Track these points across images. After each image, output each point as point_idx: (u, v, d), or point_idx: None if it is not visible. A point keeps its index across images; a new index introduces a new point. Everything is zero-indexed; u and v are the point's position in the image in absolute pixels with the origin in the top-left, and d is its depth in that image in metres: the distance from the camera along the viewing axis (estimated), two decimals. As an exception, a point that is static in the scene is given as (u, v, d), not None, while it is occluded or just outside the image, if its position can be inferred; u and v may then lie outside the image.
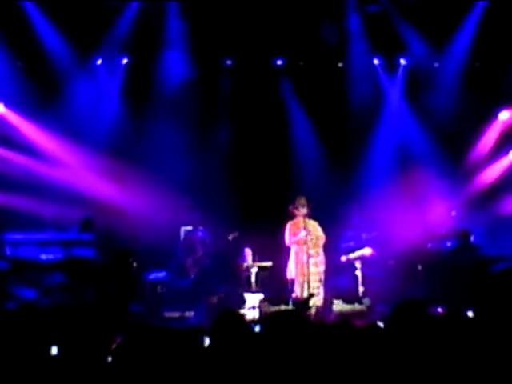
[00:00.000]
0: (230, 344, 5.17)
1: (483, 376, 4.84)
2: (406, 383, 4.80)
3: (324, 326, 5.86)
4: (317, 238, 12.13)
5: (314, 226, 12.18)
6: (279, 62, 14.60)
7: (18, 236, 12.32)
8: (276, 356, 5.00)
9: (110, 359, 5.66)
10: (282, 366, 4.89)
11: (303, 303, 10.93)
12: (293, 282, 12.16)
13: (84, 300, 11.59)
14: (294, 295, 11.99)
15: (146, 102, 14.07)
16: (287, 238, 12.20)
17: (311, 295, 11.48)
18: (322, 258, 12.17)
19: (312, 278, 11.91)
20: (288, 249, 12.26)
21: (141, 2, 13.51)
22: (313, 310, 11.35)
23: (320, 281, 12.07)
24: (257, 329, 7.59)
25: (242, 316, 6.00)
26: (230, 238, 12.93)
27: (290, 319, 5.40)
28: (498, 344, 5.25)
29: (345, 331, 5.62)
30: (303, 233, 12.01)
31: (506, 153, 14.33)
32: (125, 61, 14.25)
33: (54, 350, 6.00)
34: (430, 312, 5.94)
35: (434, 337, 5.21)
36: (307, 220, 12.10)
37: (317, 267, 12.06)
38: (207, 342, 5.65)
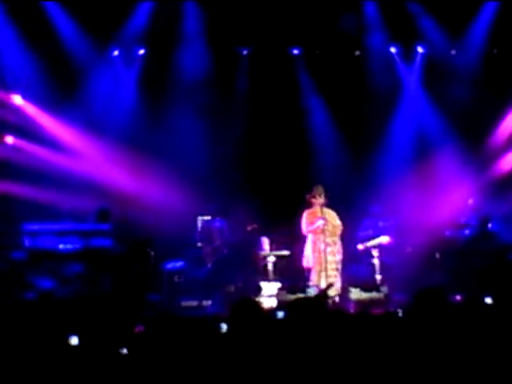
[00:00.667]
0: (247, 330, 5.16)
1: (502, 362, 4.79)
2: (425, 371, 4.74)
3: (342, 314, 5.86)
4: (334, 227, 12.09)
5: (331, 215, 12.13)
6: (296, 52, 14.57)
7: (37, 226, 12.38)
8: (294, 343, 4.98)
9: (125, 350, 5.65)
10: (299, 353, 4.87)
11: (323, 292, 10.89)
12: (310, 270, 12.10)
13: (102, 290, 11.69)
14: (311, 283, 11.98)
15: (163, 93, 14.09)
16: (304, 227, 12.16)
17: (330, 285, 11.43)
18: (339, 246, 12.13)
19: (329, 266, 11.88)
20: (305, 238, 12.20)
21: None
22: (332, 300, 11.31)
23: (337, 269, 12.02)
24: (280, 315, 7.58)
25: (259, 303, 5.95)
26: (249, 228, 12.93)
27: (310, 307, 5.37)
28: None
29: (363, 320, 5.63)
30: (320, 221, 11.97)
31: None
32: (142, 52, 14.23)
33: (75, 340, 6.00)
34: (449, 299, 5.88)
35: (454, 324, 5.19)
36: (324, 209, 12.04)
37: (334, 256, 12.02)
38: (225, 328, 5.65)
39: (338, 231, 12.12)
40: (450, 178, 13.74)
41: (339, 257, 12.09)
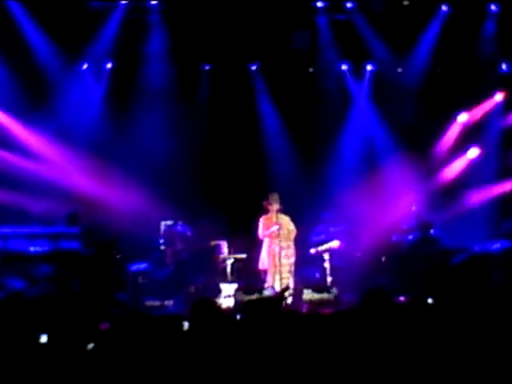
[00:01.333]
0: (207, 328, 5.18)
1: (444, 358, 4.87)
2: (372, 367, 4.79)
3: (295, 314, 5.88)
4: (288, 232, 12.17)
5: (286, 220, 12.21)
6: (253, 67, 14.59)
7: (8, 230, 12.25)
8: (249, 340, 5.02)
9: (91, 346, 5.63)
10: (254, 350, 4.90)
11: (279, 294, 10.93)
12: (265, 272, 12.19)
13: (70, 290, 11.58)
14: (266, 285, 12.02)
15: (129, 105, 14.03)
16: (260, 232, 12.23)
17: (286, 288, 11.49)
18: (292, 250, 12.22)
19: (283, 269, 11.98)
20: (261, 241, 12.29)
21: (125, 9, 13.41)
22: (286, 301, 11.35)
23: (290, 272, 12.12)
24: (238, 317, 7.59)
25: (216, 303, 5.99)
26: (212, 244, 12.99)
27: (264, 308, 5.41)
28: (458, 328, 5.29)
29: (314, 319, 5.64)
30: (275, 227, 12.06)
31: (464, 152, 14.38)
32: (109, 65, 14.17)
33: (44, 338, 5.96)
34: (393, 300, 5.94)
35: (398, 323, 5.26)
36: (279, 215, 12.13)
37: (288, 259, 12.11)
38: (186, 326, 5.66)
39: (292, 236, 12.20)
40: (395, 186, 13.79)
41: (293, 259, 12.19)
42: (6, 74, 13.53)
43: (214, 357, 4.85)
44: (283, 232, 12.06)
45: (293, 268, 12.16)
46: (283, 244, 12.03)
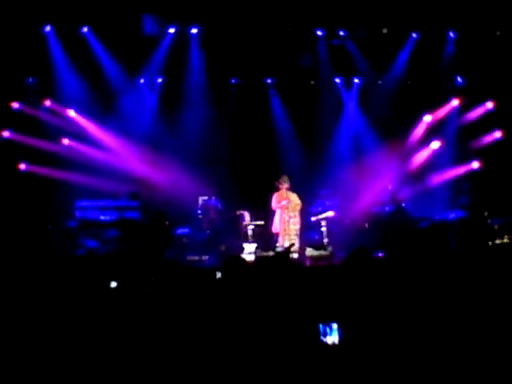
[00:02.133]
0: (235, 277, 5.23)
1: (414, 305, 4.90)
2: (356, 307, 4.83)
3: (301, 266, 5.92)
4: (295, 205, 12.19)
5: (294, 196, 12.23)
6: (269, 81, 14.54)
7: (85, 203, 12.42)
8: (267, 286, 5.06)
9: (114, 284, 5.68)
10: (272, 292, 4.94)
11: (286, 249, 10.97)
12: (277, 235, 12.22)
13: (131, 248, 11.73)
14: (278, 244, 12.06)
15: (175, 110, 13.97)
16: (273, 204, 12.26)
17: (292, 245, 11.52)
18: (298, 218, 12.22)
19: (291, 232, 12.04)
20: (274, 212, 12.31)
21: (172, 36, 13.33)
22: (293, 255, 11.40)
23: (296, 235, 12.14)
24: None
25: (243, 258, 6.06)
26: (237, 213, 12.94)
27: (276, 261, 5.45)
28: (422, 277, 5.34)
29: (315, 270, 5.66)
30: (284, 202, 12.09)
31: (428, 144, 14.22)
32: (160, 80, 14.13)
33: (114, 284, 6.05)
34: (373, 255, 5.98)
35: (377, 274, 5.27)
36: (288, 192, 12.17)
37: (294, 225, 12.14)
38: (219, 275, 5.69)
39: (298, 208, 12.22)
40: (376, 170, 13.69)
41: (298, 226, 12.21)
42: (82, 85, 13.58)
43: (240, 298, 4.92)
44: (291, 205, 12.09)
45: (298, 232, 12.18)
46: (291, 214, 12.06)
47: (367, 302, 4.84)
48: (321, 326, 4.51)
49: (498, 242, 11.77)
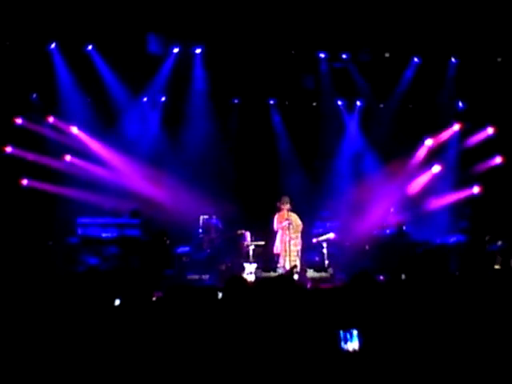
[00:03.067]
0: (237, 297, 5.20)
1: (412, 321, 4.89)
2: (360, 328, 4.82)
3: (302, 288, 5.88)
4: (296, 226, 12.19)
5: (295, 217, 12.23)
6: (271, 102, 14.60)
7: (87, 220, 12.37)
8: (268, 307, 5.04)
9: (118, 302, 5.66)
10: (273, 314, 4.92)
11: (289, 271, 10.95)
12: (278, 255, 12.23)
13: (132, 266, 11.68)
14: (278, 265, 12.04)
15: (177, 128, 14.00)
16: (275, 225, 12.26)
17: (295, 266, 11.50)
18: (299, 239, 12.22)
19: (292, 253, 12.00)
20: (275, 232, 12.32)
21: (176, 55, 13.39)
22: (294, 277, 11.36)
23: (297, 256, 12.12)
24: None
25: (244, 279, 6.03)
26: (238, 233, 12.94)
27: (279, 283, 5.43)
28: (423, 301, 5.33)
29: (316, 292, 5.63)
30: (286, 222, 12.09)
31: (430, 168, 14.31)
32: (163, 99, 14.19)
33: (117, 301, 6.01)
34: (375, 279, 5.96)
35: (378, 296, 5.26)
36: (290, 213, 12.17)
37: (295, 246, 12.13)
38: (220, 295, 5.67)
39: (299, 229, 12.21)
40: (377, 193, 13.75)
41: (299, 247, 12.20)
42: (86, 103, 13.64)
43: (241, 320, 4.91)
44: (292, 226, 12.08)
45: (299, 253, 12.17)
46: (292, 235, 12.05)
47: (370, 326, 4.82)
48: (341, 332, 4.52)
49: (497, 267, 11.76)
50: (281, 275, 10.01)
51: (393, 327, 4.81)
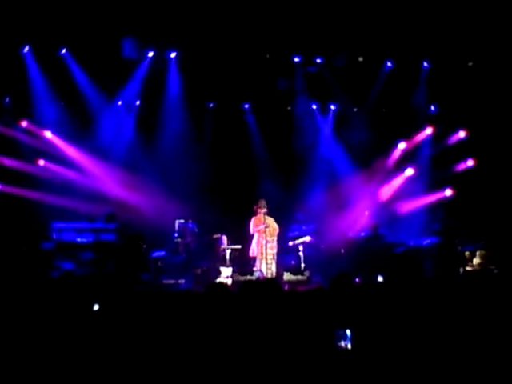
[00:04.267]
0: (217, 303, 5.15)
1: (387, 323, 4.96)
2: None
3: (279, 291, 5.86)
4: (273, 229, 12.18)
5: (271, 221, 12.22)
6: (246, 106, 14.61)
7: (61, 225, 12.28)
8: (248, 310, 5.03)
9: (96, 307, 5.62)
10: (254, 316, 4.90)
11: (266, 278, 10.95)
12: (254, 259, 12.22)
13: (108, 271, 11.60)
14: (255, 268, 12.03)
15: (152, 132, 13.96)
16: (251, 228, 12.24)
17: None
18: (275, 243, 12.20)
19: (268, 256, 12.00)
20: (252, 236, 12.29)
21: (151, 60, 13.33)
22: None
23: (273, 259, 12.12)
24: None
25: (225, 284, 6.00)
26: (214, 237, 12.91)
27: (259, 287, 5.41)
28: (398, 301, 5.39)
29: (293, 295, 5.65)
30: (262, 226, 12.08)
31: (403, 171, 14.42)
32: (138, 103, 14.11)
33: (96, 307, 5.95)
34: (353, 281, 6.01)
35: (357, 298, 5.31)
36: (266, 216, 12.15)
37: (272, 249, 12.12)
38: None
39: (276, 232, 12.21)
40: (352, 196, 13.85)
41: (275, 250, 12.19)
42: (60, 108, 13.54)
43: (223, 325, 4.88)
44: (269, 229, 12.08)
45: (275, 256, 12.17)
46: (268, 238, 12.04)
47: (348, 326, 4.84)
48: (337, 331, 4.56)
49: (468, 268, 11.91)
50: (267, 280, 10.00)
51: (372, 328, 4.84)
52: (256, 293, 4.96)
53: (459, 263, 11.97)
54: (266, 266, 11.81)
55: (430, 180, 14.09)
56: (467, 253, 12.27)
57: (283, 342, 4.48)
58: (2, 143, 12.92)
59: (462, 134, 14.10)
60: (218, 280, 11.52)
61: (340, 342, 4.54)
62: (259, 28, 12.42)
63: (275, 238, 12.19)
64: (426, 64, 13.71)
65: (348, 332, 4.54)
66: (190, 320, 5.04)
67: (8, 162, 12.92)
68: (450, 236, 12.57)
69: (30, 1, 11.54)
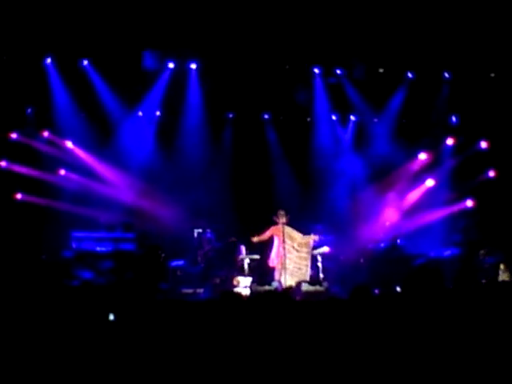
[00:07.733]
0: (232, 312, 5.17)
1: (406, 334, 4.90)
2: (357, 342, 4.80)
3: (293, 302, 5.84)
4: (305, 244, 12.07)
5: (290, 230, 12.12)
6: (266, 116, 14.58)
7: (81, 234, 12.32)
8: (262, 319, 5.01)
9: (112, 317, 5.62)
10: (267, 326, 4.89)
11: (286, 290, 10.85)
12: (273, 269, 12.12)
13: (127, 280, 11.59)
14: (275, 279, 11.94)
15: (171, 142, 13.96)
16: (265, 234, 12.11)
17: (290, 287, 11.37)
18: (304, 254, 12.11)
19: (288, 266, 11.91)
20: (271, 246, 12.18)
21: (171, 70, 13.36)
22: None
23: (300, 269, 12.02)
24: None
25: (237, 293, 5.98)
26: (229, 240, 12.86)
27: (275, 298, 5.40)
28: (418, 312, 5.33)
29: (311, 305, 5.63)
30: (326, 248, 12.13)
31: (423, 182, 14.30)
32: (158, 113, 14.15)
33: (112, 316, 5.95)
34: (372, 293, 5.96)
35: (375, 309, 5.27)
36: (285, 226, 12.08)
37: (300, 260, 12.04)
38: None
39: (308, 243, 12.10)
40: (372, 207, 13.76)
41: (304, 261, 12.08)
42: (81, 118, 13.61)
43: (237, 333, 4.85)
44: (297, 241, 12.05)
45: (305, 267, 12.07)
46: (292, 249, 12.01)
47: (368, 337, 4.80)
48: None
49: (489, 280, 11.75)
50: (276, 292, 9.94)
51: (389, 340, 4.76)
52: (265, 304, 4.95)
53: (483, 274, 11.81)
54: (284, 276, 11.70)
55: (450, 191, 13.98)
56: (487, 265, 12.09)
57: (290, 352, 4.46)
58: (24, 153, 13.04)
59: (483, 144, 13.98)
60: (236, 290, 11.42)
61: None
62: (279, 39, 12.43)
63: (306, 249, 12.07)
64: (446, 75, 13.61)
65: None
66: (207, 329, 5.02)
67: (29, 171, 13.01)
68: (471, 247, 12.46)
69: (53, 13, 11.65)
